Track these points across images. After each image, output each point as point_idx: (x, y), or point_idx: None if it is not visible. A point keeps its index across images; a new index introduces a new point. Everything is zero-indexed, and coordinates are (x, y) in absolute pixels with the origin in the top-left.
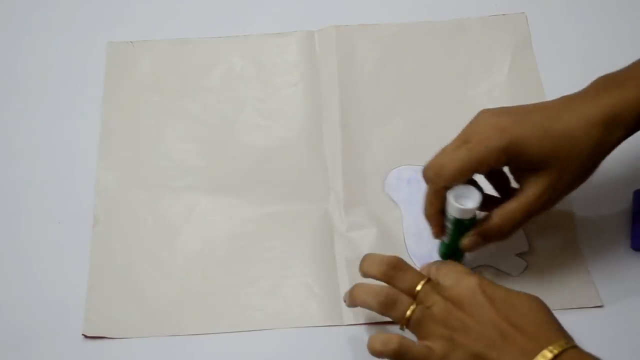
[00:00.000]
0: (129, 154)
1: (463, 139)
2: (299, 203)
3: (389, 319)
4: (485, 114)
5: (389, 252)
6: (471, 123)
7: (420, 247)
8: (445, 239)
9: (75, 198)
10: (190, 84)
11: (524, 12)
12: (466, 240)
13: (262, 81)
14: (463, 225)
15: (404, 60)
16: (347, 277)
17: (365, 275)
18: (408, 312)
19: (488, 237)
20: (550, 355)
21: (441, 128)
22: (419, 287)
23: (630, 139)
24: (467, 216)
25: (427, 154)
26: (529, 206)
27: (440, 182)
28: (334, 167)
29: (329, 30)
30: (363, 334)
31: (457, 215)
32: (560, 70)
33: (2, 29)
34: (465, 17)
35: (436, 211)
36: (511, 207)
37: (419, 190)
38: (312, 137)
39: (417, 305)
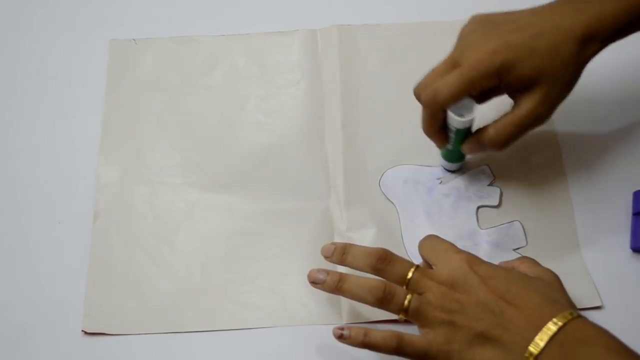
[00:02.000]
0: (130, 150)
1: (453, 60)
2: (300, 201)
3: (387, 319)
4: (474, 36)
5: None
6: (460, 43)
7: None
8: (449, 145)
9: (76, 195)
10: (193, 81)
11: None
12: (466, 147)
13: (264, 79)
14: (464, 132)
15: (406, 61)
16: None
17: (352, 267)
18: (405, 303)
19: (484, 146)
20: (554, 327)
21: None
22: (409, 275)
23: (631, 139)
24: (467, 125)
25: (429, 154)
26: (522, 119)
27: (436, 107)
28: (335, 166)
29: (331, 29)
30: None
31: (459, 127)
32: None
33: (5, 26)
34: (468, 17)
35: (435, 130)
36: (506, 120)
37: (415, 191)
38: (313, 135)
39: (411, 294)
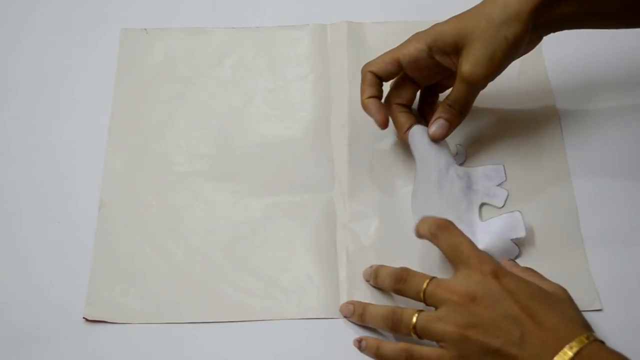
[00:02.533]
0: (138, 139)
1: None
2: (304, 193)
3: None
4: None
5: (391, 242)
6: None
7: (426, 211)
8: None
9: (83, 184)
10: (202, 72)
11: None
12: (432, 131)
13: (272, 72)
14: None
15: None
16: (347, 270)
17: (379, 288)
18: (412, 322)
19: (450, 116)
20: (570, 353)
21: None
22: (423, 289)
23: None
24: None
25: None
26: (464, 84)
27: (367, 68)
28: (340, 159)
29: (341, 24)
30: (360, 327)
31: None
32: (570, 74)
33: (17, 15)
34: None
35: (368, 97)
36: (453, 89)
37: (437, 157)
38: (320, 128)
39: (419, 313)
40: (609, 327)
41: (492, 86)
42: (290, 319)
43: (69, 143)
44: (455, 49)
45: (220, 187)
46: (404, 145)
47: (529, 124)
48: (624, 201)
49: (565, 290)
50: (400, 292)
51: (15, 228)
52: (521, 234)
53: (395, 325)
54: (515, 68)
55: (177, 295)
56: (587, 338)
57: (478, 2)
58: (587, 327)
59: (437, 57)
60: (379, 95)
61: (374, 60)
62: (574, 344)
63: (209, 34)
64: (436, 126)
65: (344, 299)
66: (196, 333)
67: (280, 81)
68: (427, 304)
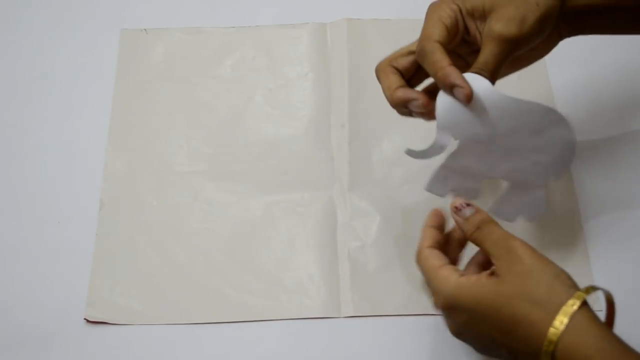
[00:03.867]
0: (138, 139)
1: None
2: (304, 192)
3: (387, 313)
4: None
5: (392, 241)
6: None
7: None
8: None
9: (84, 184)
10: (202, 72)
11: None
12: (456, 91)
13: (272, 71)
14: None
15: None
16: (348, 269)
17: None
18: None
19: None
20: (551, 347)
21: None
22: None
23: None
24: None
25: None
26: (495, 44)
27: (425, 43)
28: (340, 157)
29: (341, 23)
30: (361, 327)
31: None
32: (570, 75)
33: (17, 15)
34: None
35: (448, 64)
36: (482, 52)
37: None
38: (320, 127)
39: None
40: None
41: None
42: (291, 318)
43: (69, 143)
44: (483, 13)
45: (220, 186)
46: (404, 145)
47: None
48: (625, 201)
49: (517, 255)
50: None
51: (15, 228)
52: (529, 221)
53: None
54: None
55: (178, 295)
56: (549, 345)
57: None
58: (549, 316)
59: (466, 21)
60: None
61: (429, 32)
62: (543, 352)
63: (208, 34)
64: (459, 90)
65: (345, 298)
66: (197, 334)
67: (281, 80)
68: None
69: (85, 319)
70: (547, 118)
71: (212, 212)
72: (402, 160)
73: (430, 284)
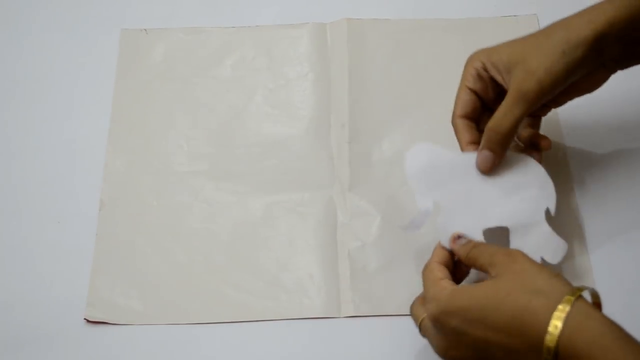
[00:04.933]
0: (138, 139)
1: None
2: (304, 192)
3: (387, 313)
4: None
5: (392, 241)
6: None
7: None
8: None
9: (84, 184)
10: (202, 72)
11: (535, 14)
12: (479, 162)
13: (272, 71)
14: None
15: (414, 57)
16: (349, 269)
17: None
18: None
19: (492, 144)
20: (552, 344)
21: (449, 125)
22: (418, 327)
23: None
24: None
25: None
26: (516, 99)
27: (453, 116)
28: (341, 157)
29: (341, 23)
30: (361, 327)
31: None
32: None
33: (17, 15)
34: (477, 17)
35: (467, 143)
36: (501, 106)
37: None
38: (320, 127)
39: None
40: None
41: None
42: (291, 318)
43: (69, 143)
44: (509, 65)
45: (220, 186)
46: (404, 145)
47: None
48: (625, 201)
49: (512, 258)
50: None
51: (15, 228)
52: (554, 261)
53: None
54: None
55: (178, 295)
56: (555, 329)
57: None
58: (551, 303)
59: (492, 73)
60: (477, 139)
61: (455, 105)
62: (549, 345)
63: (208, 34)
64: (480, 160)
65: (345, 298)
66: (197, 334)
67: (281, 80)
68: None
69: (85, 319)
70: (512, 159)
71: (212, 212)
72: (402, 160)
73: (428, 292)
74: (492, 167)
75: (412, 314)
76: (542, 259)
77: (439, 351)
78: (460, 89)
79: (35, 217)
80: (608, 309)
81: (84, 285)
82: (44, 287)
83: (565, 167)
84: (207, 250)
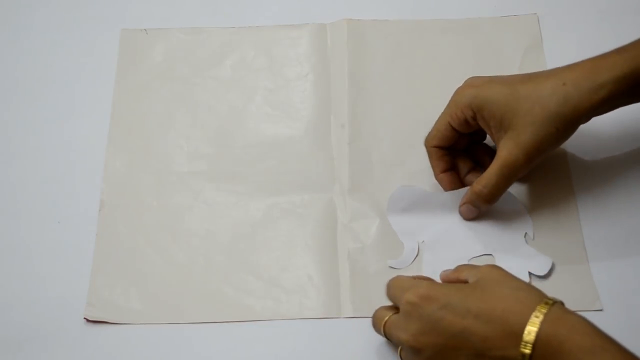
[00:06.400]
0: (138, 139)
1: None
2: (304, 193)
3: None
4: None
5: (391, 242)
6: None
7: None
8: None
9: (84, 184)
10: (202, 72)
11: (535, 14)
12: (461, 210)
13: (272, 72)
14: None
15: (414, 57)
16: (348, 270)
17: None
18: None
19: (476, 203)
20: (532, 337)
21: None
22: (383, 328)
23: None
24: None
25: None
26: (503, 168)
27: (427, 144)
28: (340, 158)
29: (340, 23)
30: (361, 327)
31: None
32: None
33: (17, 15)
34: (477, 17)
35: (440, 171)
36: (488, 172)
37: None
38: (320, 128)
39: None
40: (609, 327)
41: None
42: (290, 319)
43: (69, 143)
44: (500, 125)
45: (220, 187)
46: (403, 146)
47: None
48: (625, 201)
49: (495, 268)
50: (373, 326)
51: (15, 228)
52: (541, 273)
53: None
54: (516, 65)
55: (177, 295)
56: (538, 315)
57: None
58: (530, 299)
59: (481, 124)
60: (450, 167)
61: (430, 132)
62: (528, 330)
63: (208, 34)
64: (464, 211)
65: (344, 299)
66: (197, 333)
67: (280, 81)
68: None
69: (85, 318)
70: None
71: (212, 213)
72: (402, 161)
73: (404, 284)
74: (475, 217)
75: (376, 317)
76: (530, 273)
77: (407, 338)
78: (441, 121)
79: (35, 217)
80: (608, 310)
81: (83, 285)
82: (44, 287)
83: (565, 170)
84: (207, 251)
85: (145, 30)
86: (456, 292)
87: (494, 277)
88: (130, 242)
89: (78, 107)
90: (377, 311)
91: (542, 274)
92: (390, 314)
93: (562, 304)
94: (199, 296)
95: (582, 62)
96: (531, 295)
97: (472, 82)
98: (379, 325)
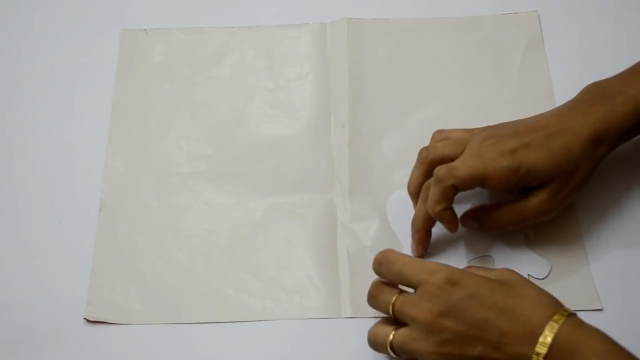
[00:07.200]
0: (138, 139)
1: (462, 141)
2: (304, 193)
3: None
4: (487, 133)
5: (391, 243)
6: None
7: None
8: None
9: (84, 184)
10: (202, 72)
11: (536, 11)
12: (463, 221)
13: (272, 72)
14: None
15: (414, 56)
16: (348, 270)
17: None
18: (389, 341)
19: (483, 222)
20: (549, 339)
21: (449, 124)
22: (391, 308)
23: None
24: None
25: None
26: (528, 211)
27: (449, 180)
28: (340, 158)
29: (340, 22)
30: (361, 327)
31: None
32: (571, 70)
33: (16, 15)
34: (478, 15)
35: (443, 209)
36: (511, 207)
37: None
38: (320, 128)
39: (395, 331)
40: (609, 327)
41: (492, 87)
42: (290, 319)
43: (69, 143)
44: (540, 184)
45: (220, 187)
46: (404, 146)
47: None
48: (624, 201)
49: (513, 272)
50: (374, 308)
51: (15, 228)
52: (540, 276)
53: (374, 343)
54: (516, 62)
55: (177, 295)
56: (558, 320)
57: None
58: (552, 303)
59: (518, 183)
60: (451, 206)
61: (457, 168)
62: (548, 331)
63: (208, 34)
64: (468, 224)
65: (344, 299)
66: (197, 334)
67: (280, 80)
68: (397, 321)
69: (85, 318)
70: None
71: (212, 213)
72: (402, 161)
73: (417, 266)
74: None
75: (380, 300)
76: (529, 275)
77: (426, 316)
78: (418, 171)
79: (35, 217)
80: (608, 310)
81: (83, 285)
82: (44, 287)
83: None
84: (206, 251)
85: (145, 30)
86: (484, 283)
87: (516, 277)
88: (130, 243)
89: (78, 107)
90: (379, 294)
91: (541, 277)
92: (398, 292)
93: (575, 315)
94: (199, 296)
95: (591, 107)
96: (552, 299)
97: (505, 147)
98: (388, 306)
